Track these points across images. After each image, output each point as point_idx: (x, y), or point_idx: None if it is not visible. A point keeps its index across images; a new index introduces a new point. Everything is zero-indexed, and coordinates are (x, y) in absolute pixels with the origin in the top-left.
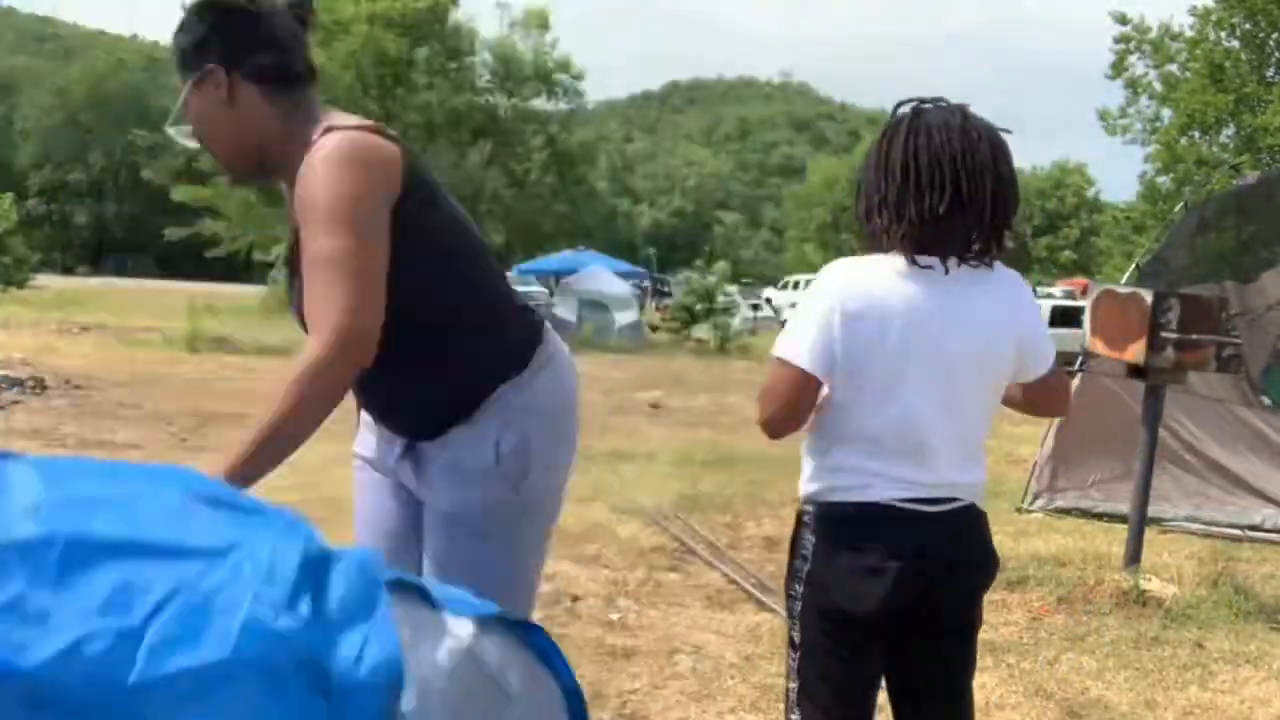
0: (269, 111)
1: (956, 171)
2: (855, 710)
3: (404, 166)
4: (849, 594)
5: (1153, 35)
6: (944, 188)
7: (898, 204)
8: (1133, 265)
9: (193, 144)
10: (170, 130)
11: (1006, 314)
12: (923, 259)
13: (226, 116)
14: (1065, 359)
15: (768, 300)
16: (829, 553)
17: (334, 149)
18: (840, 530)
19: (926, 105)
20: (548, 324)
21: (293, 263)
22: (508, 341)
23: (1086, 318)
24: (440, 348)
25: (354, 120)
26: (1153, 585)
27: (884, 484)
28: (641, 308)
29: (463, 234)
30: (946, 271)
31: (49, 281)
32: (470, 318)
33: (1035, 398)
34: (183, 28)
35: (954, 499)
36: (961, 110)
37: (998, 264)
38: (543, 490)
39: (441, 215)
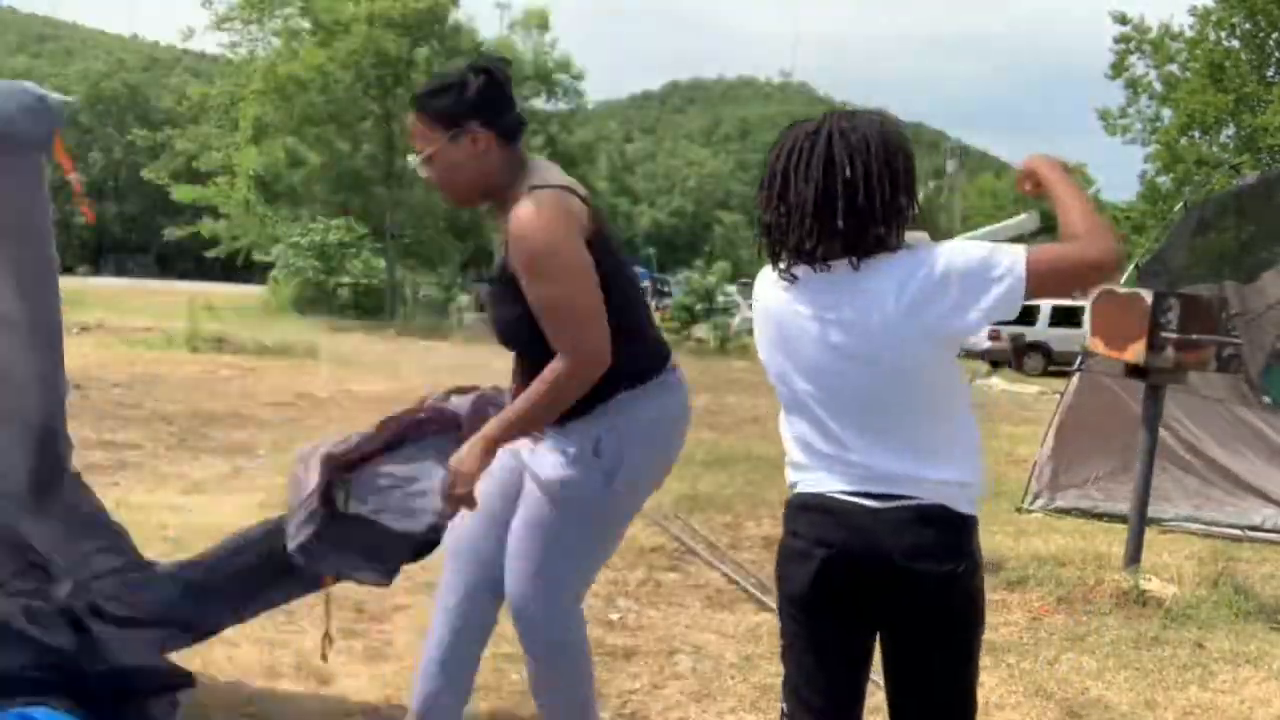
0: (504, 160)
1: (780, 184)
2: (830, 699)
3: (590, 221)
4: (780, 575)
5: (1153, 35)
6: (769, 200)
7: (760, 218)
8: (1131, 265)
9: (424, 174)
10: (411, 161)
11: (887, 297)
12: (782, 267)
13: (476, 165)
14: (1065, 359)
15: None
16: (782, 539)
17: (541, 206)
18: (787, 518)
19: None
20: (676, 362)
21: (496, 282)
22: (635, 362)
23: (1086, 317)
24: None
25: (554, 180)
26: (1153, 585)
27: (825, 476)
28: None
29: (619, 278)
30: (820, 273)
31: None
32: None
33: (1057, 284)
34: (445, 89)
35: (906, 496)
36: (823, 120)
37: (900, 252)
38: (626, 492)
39: (610, 262)
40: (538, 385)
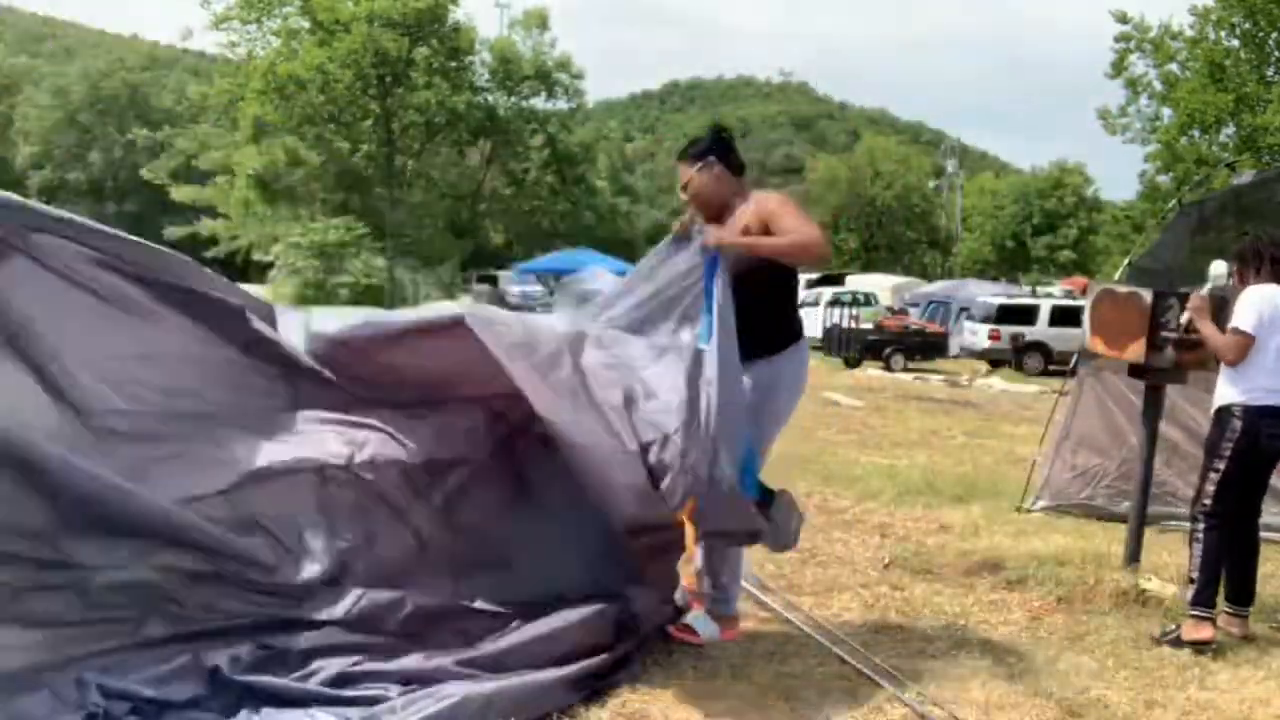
0: (733, 184)
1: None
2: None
3: None
4: (1266, 444)
5: (1153, 34)
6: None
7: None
8: (1125, 262)
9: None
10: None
11: None
12: None
13: (715, 186)
14: (1065, 358)
15: None
16: (1252, 428)
17: (780, 198)
18: (1260, 417)
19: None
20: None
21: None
22: (796, 326)
23: (1086, 317)
24: (777, 313)
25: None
26: (1153, 585)
27: (1276, 397)
28: None
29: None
30: None
31: None
32: (793, 306)
33: None
34: (696, 141)
35: None
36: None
37: None
38: (786, 387)
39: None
40: (783, 238)
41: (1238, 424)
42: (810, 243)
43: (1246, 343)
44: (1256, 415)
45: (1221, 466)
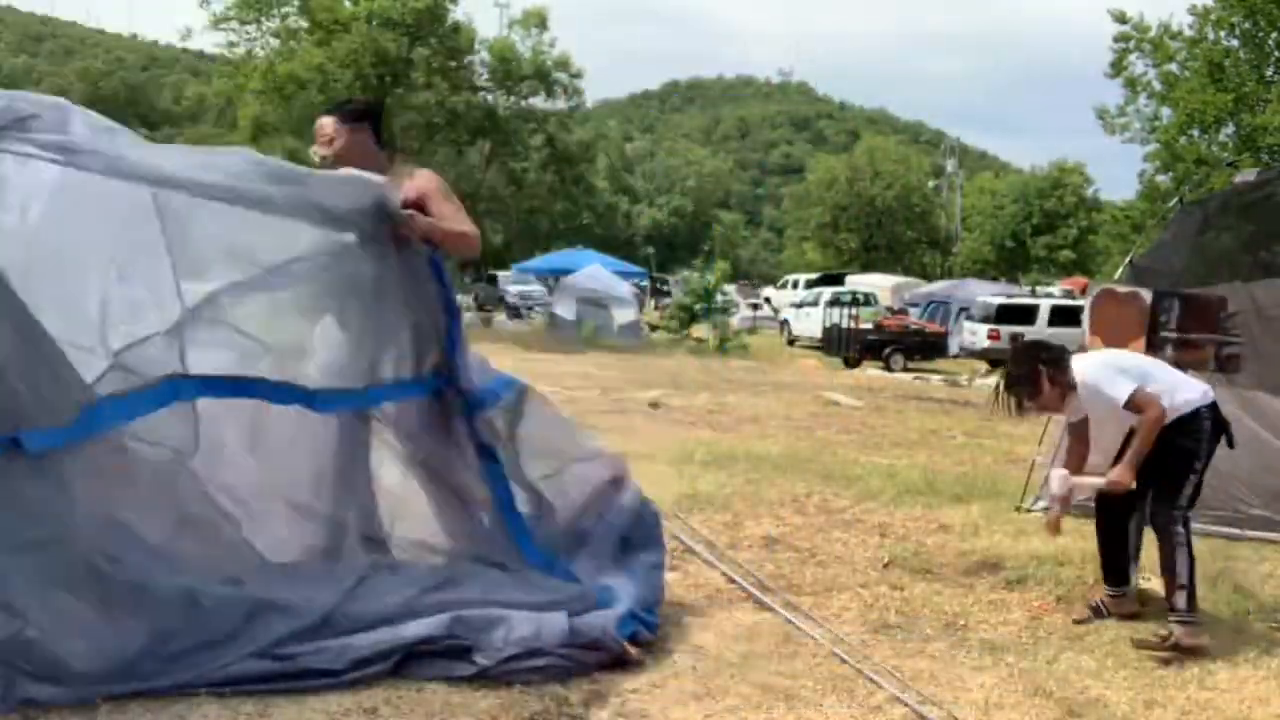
0: (379, 158)
1: None
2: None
3: None
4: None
5: (1152, 34)
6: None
7: None
8: (1126, 261)
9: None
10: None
11: None
12: None
13: (363, 152)
14: None
15: (766, 300)
16: (1215, 424)
17: (440, 180)
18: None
19: None
20: None
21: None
22: None
23: (1086, 316)
24: None
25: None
26: (1152, 584)
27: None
28: (641, 307)
29: None
30: None
31: None
32: None
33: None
34: (351, 101)
35: None
36: None
37: None
38: None
39: None
40: (466, 227)
41: (1207, 424)
42: (475, 235)
43: (1154, 396)
44: (1215, 410)
45: (1200, 467)
